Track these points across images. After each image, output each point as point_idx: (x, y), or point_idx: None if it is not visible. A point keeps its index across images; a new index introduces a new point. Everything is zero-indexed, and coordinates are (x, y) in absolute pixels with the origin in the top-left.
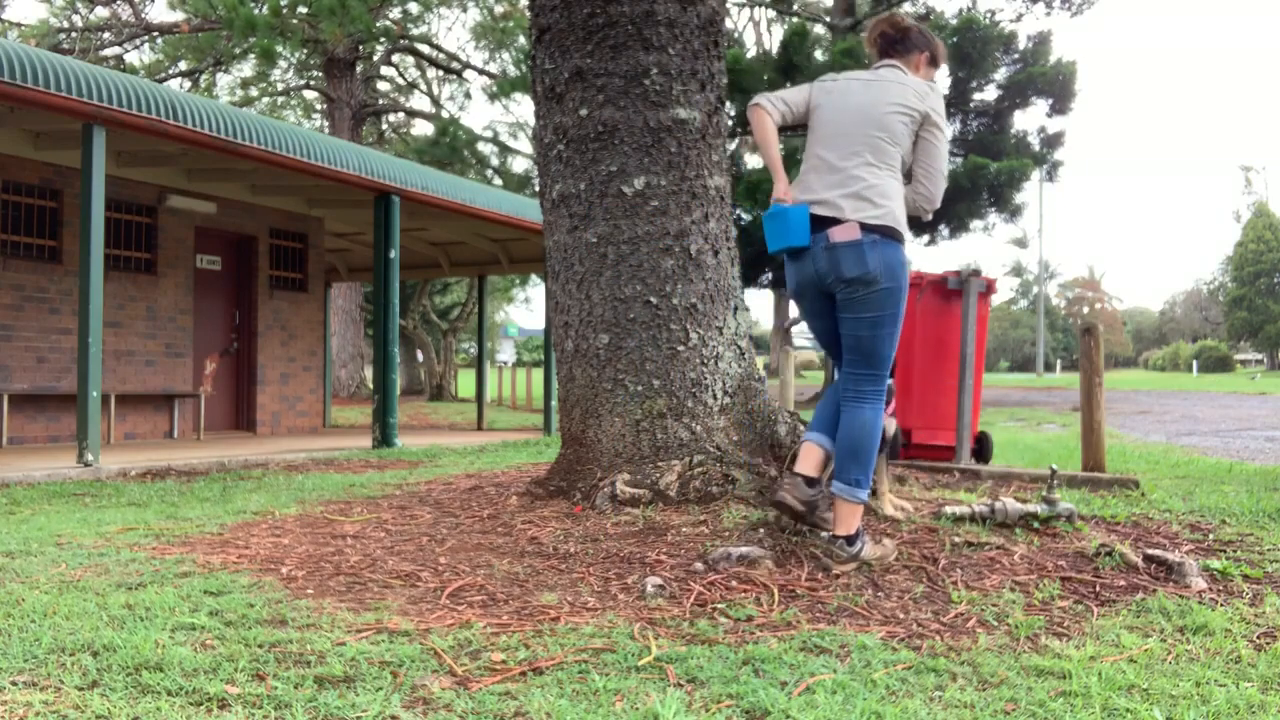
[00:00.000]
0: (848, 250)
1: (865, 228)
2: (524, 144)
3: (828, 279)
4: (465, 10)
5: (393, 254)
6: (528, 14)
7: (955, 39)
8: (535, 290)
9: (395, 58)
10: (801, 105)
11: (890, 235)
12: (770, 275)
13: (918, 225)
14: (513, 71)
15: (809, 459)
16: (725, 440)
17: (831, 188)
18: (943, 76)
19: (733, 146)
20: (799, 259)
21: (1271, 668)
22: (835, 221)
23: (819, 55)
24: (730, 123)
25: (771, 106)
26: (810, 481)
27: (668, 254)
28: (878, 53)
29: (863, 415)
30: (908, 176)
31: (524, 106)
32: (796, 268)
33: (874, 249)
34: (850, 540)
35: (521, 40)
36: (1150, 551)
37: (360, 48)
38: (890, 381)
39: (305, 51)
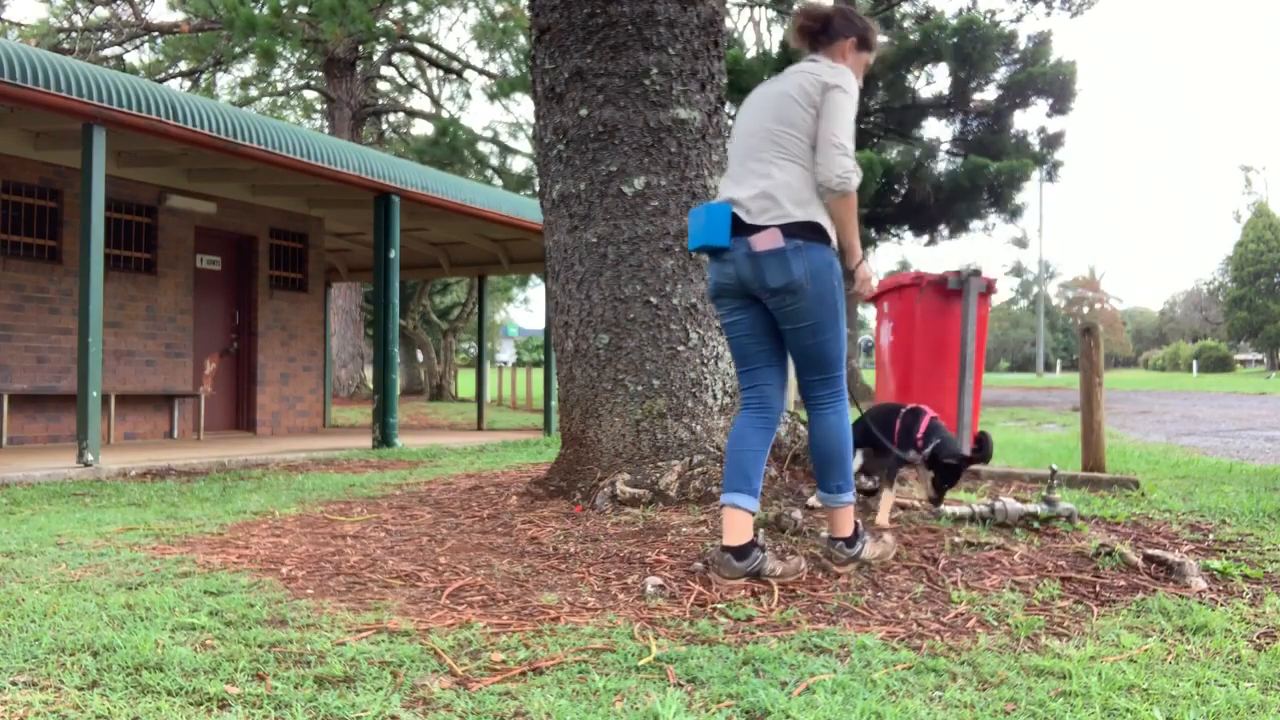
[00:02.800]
0: (770, 259)
1: (787, 233)
2: (524, 144)
3: (751, 286)
4: (465, 10)
5: (393, 254)
6: (528, 14)
7: (955, 39)
8: (535, 290)
9: (395, 58)
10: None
11: (814, 236)
12: None
13: (920, 225)
14: (513, 71)
15: (733, 528)
16: (725, 440)
17: (741, 188)
18: (942, 76)
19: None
20: (719, 260)
21: (1271, 668)
22: (754, 227)
23: None
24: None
25: None
26: (740, 553)
27: (668, 254)
28: (806, 48)
29: (828, 421)
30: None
31: (524, 106)
32: (717, 269)
33: (798, 255)
34: (849, 542)
35: (521, 40)
36: (1150, 551)
37: (360, 48)
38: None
39: (305, 51)
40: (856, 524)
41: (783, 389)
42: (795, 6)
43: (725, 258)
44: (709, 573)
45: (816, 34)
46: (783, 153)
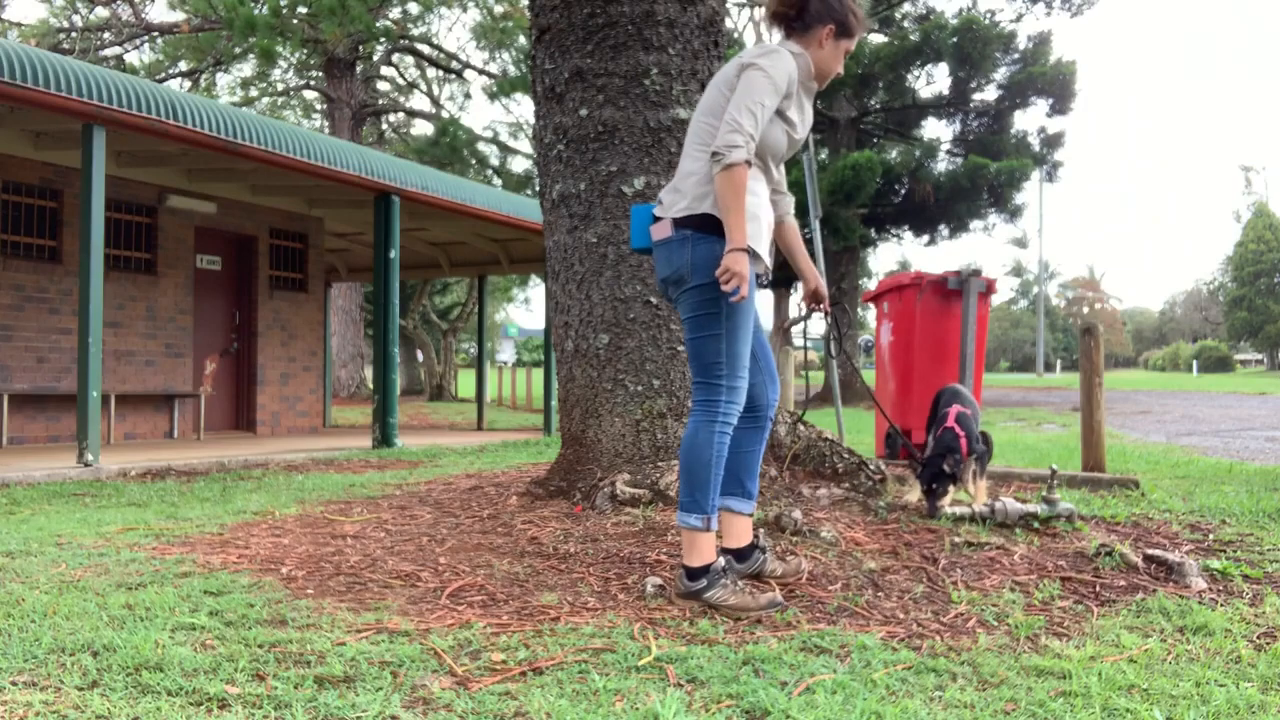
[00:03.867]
0: (660, 250)
1: (679, 223)
2: (524, 144)
3: (660, 282)
4: (465, 10)
5: (393, 254)
6: (528, 14)
7: (955, 39)
8: (535, 290)
9: (395, 58)
10: None
11: (706, 229)
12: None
13: (920, 225)
14: (513, 71)
15: (731, 531)
16: None
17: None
18: (942, 76)
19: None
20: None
21: (1271, 668)
22: (657, 220)
23: None
24: None
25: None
26: (741, 555)
27: None
28: (775, 35)
29: (690, 429)
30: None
31: (524, 106)
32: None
33: (684, 245)
34: (692, 574)
35: (521, 40)
36: (1150, 551)
37: (360, 48)
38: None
39: (305, 51)
40: (713, 562)
41: (757, 382)
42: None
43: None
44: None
45: (791, 19)
46: (700, 144)
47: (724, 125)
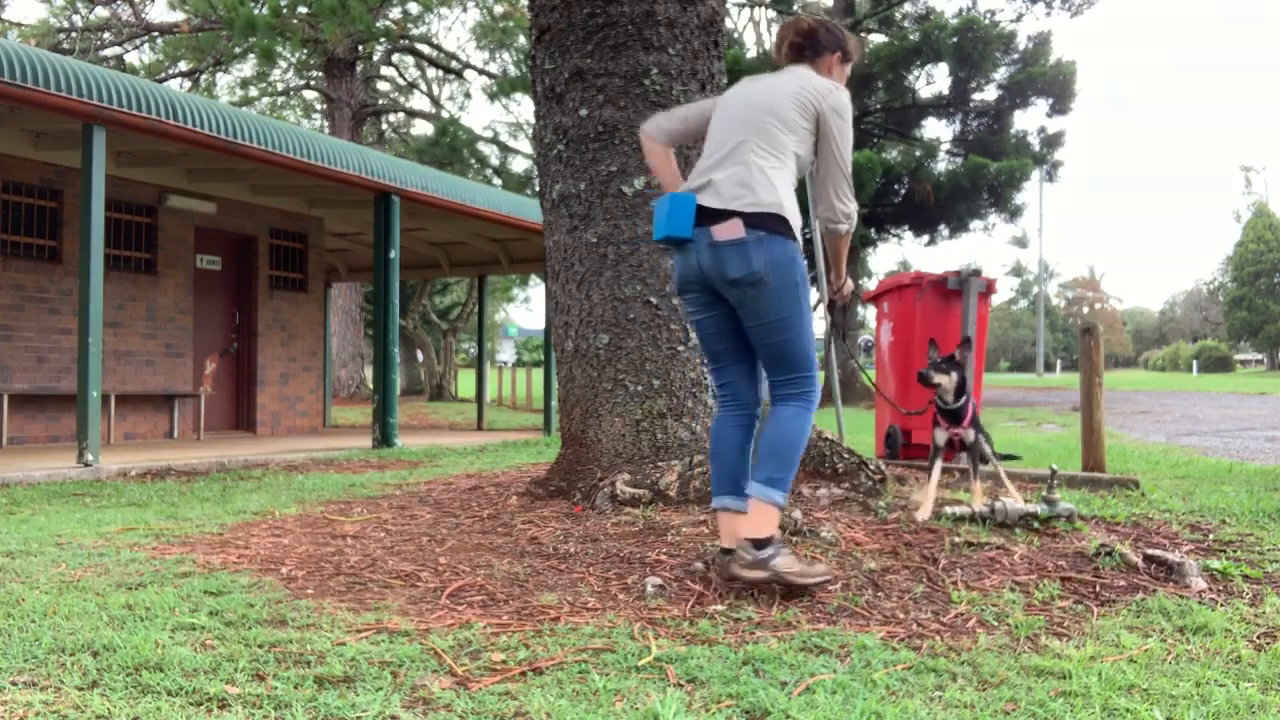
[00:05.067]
0: (731, 249)
1: (749, 223)
2: (524, 144)
3: (713, 277)
4: (465, 10)
5: (393, 254)
6: (528, 14)
7: (955, 39)
8: (535, 290)
9: (395, 58)
10: (697, 113)
11: (777, 229)
12: None
13: (920, 225)
14: (513, 71)
15: (728, 529)
16: None
17: (714, 170)
18: (942, 76)
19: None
20: (683, 251)
21: (1271, 668)
22: (719, 215)
23: None
24: None
25: (658, 128)
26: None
27: (668, 254)
28: (789, 62)
29: (786, 413)
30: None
31: (524, 106)
32: (682, 261)
33: (759, 247)
34: (760, 544)
35: (521, 40)
36: (1150, 551)
37: (360, 48)
38: (973, 401)
39: (305, 51)
40: (774, 533)
41: (753, 381)
42: (784, 22)
43: (688, 248)
44: (709, 572)
45: (803, 48)
46: (766, 144)
47: (840, 195)
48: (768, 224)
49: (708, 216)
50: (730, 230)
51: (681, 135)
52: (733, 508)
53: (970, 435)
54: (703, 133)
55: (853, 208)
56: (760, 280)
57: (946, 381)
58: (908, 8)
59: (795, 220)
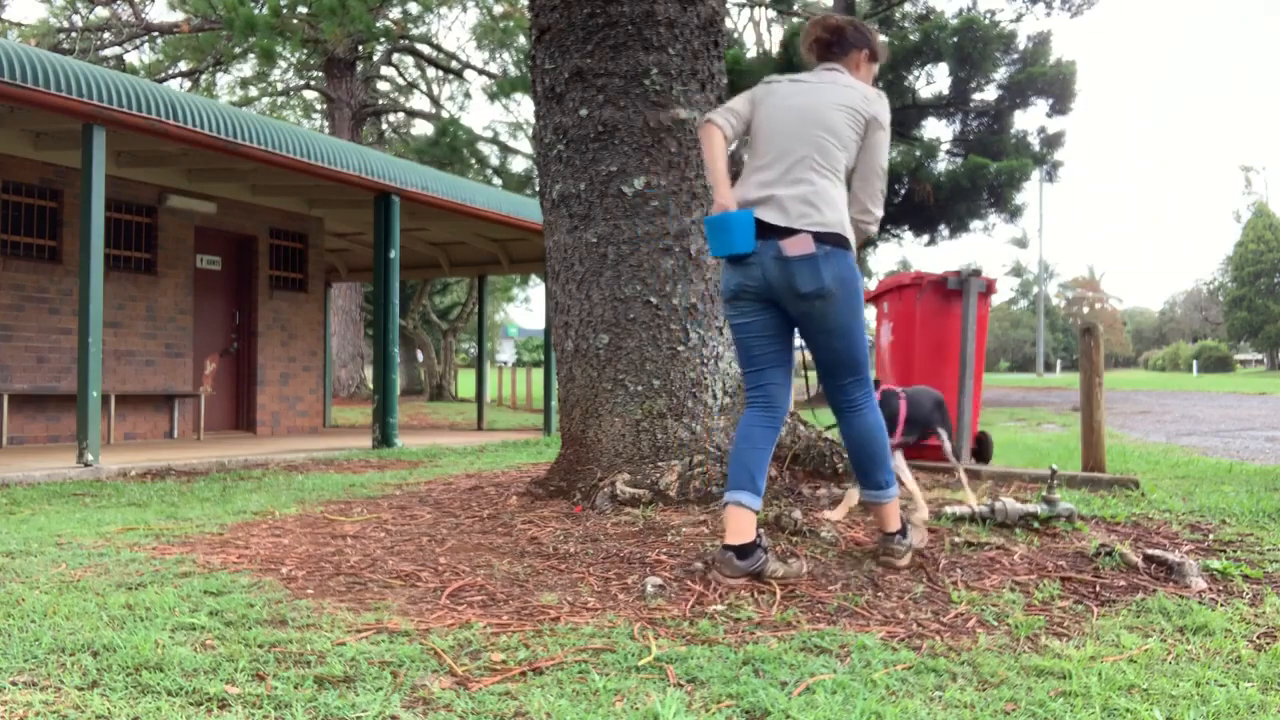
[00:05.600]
0: (802, 264)
1: (818, 239)
2: (524, 144)
3: (779, 290)
4: (465, 10)
5: (393, 254)
6: (528, 14)
7: (955, 39)
8: (535, 290)
9: (395, 58)
10: (747, 110)
11: (840, 244)
12: None
13: (920, 225)
14: (513, 71)
15: (737, 525)
16: (725, 440)
17: (776, 186)
18: (942, 76)
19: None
20: (741, 264)
21: (1271, 668)
22: (785, 231)
23: None
24: None
25: (725, 120)
26: (743, 552)
27: (668, 254)
28: (816, 58)
29: (866, 421)
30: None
31: (524, 106)
32: (740, 272)
33: (828, 262)
34: (903, 533)
35: (521, 40)
36: (1150, 551)
37: (360, 48)
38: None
39: (305, 51)
40: (901, 516)
41: (788, 389)
42: (810, 18)
43: (750, 261)
44: (710, 572)
45: (830, 45)
46: (825, 161)
47: (875, 200)
48: (831, 240)
49: (773, 231)
50: (801, 245)
51: (738, 131)
52: (747, 504)
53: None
54: (744, 133)
55: (880, 212)
56: (830, 294)
57: None
58: (908, 8)
59: (852, 236)
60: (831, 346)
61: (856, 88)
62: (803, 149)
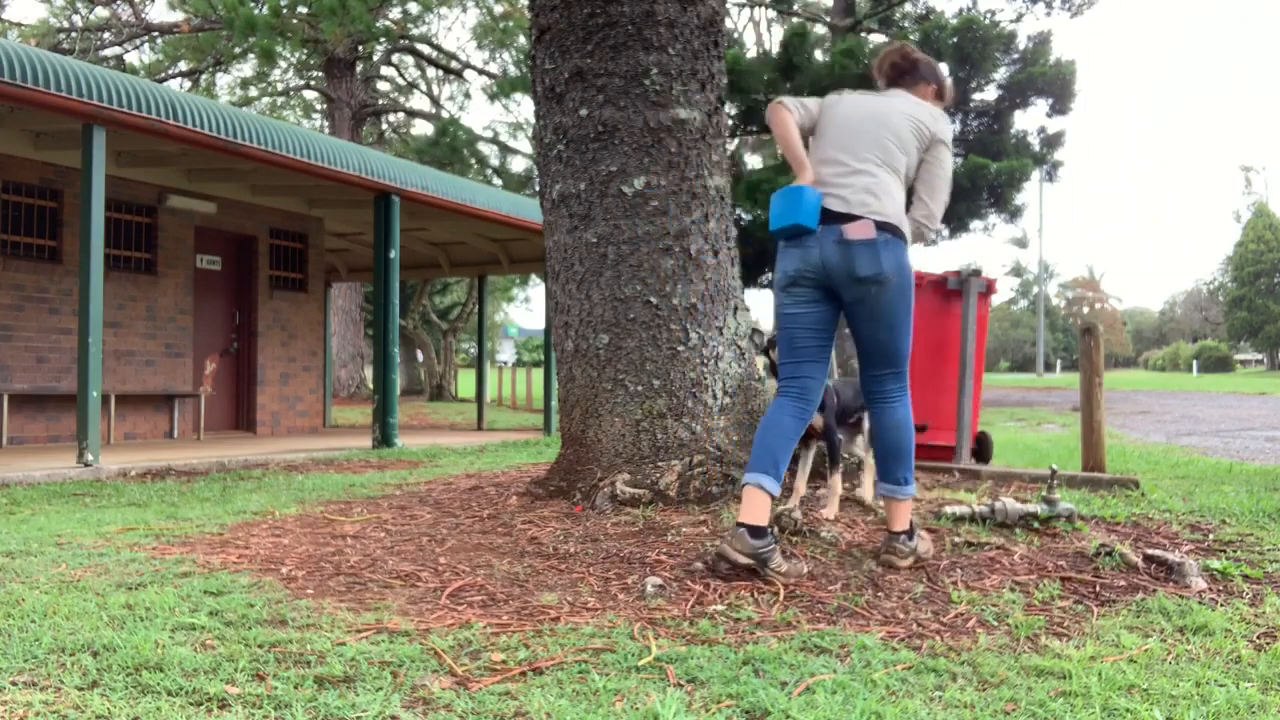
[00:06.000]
0: (862, 248)
1: (879, 226)
2: (524, 144)
3: (837, 274)
4: (465, 10)
5: (393, 254)
6: (528, 14)
7: (955, 39)
8: (535, 290)
9: (395, 58)
10: (815, 110)
11: (898, 235)
12: (770, 275)
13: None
14: (513, 71)
15: (753, 506)
16: (725, 440)
17: (843, 179)
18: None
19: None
20: (800, 245)
21: (1271, 668)
22: (848, 217)
23: (819, 55)
24: (730, 122)
25: (794, 105)
26: (757, 532)
27: (668, 254)
28: (886, 81)
29: (897, 415)
30: (908, 197)
31: (524, 106)
32: (798, 254)
33: (887, 248)
34: (910, 535)
35: (521, 40)
36: (1150, 551)
37: (360, 48)
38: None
39: (305, 51)
40: (911, 521)
41: (822, 385)
42: (890, 45)
43: (809, 243)
44: (709, 573)
45: (905, 72)
46: (886, 158)
47: (940, 196)
48: (891, 229)
49: (834, 217)
50: (863, 230)
51: (804, 124)
52: (766, 488)
53: (819, 421)
54: (811, 129)
55: (941, 222)
56: (886, 280)
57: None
58: (908, 8)
59: (908, 230)
60: (877, 337)
61: (923, 105)
62: (867, 144)
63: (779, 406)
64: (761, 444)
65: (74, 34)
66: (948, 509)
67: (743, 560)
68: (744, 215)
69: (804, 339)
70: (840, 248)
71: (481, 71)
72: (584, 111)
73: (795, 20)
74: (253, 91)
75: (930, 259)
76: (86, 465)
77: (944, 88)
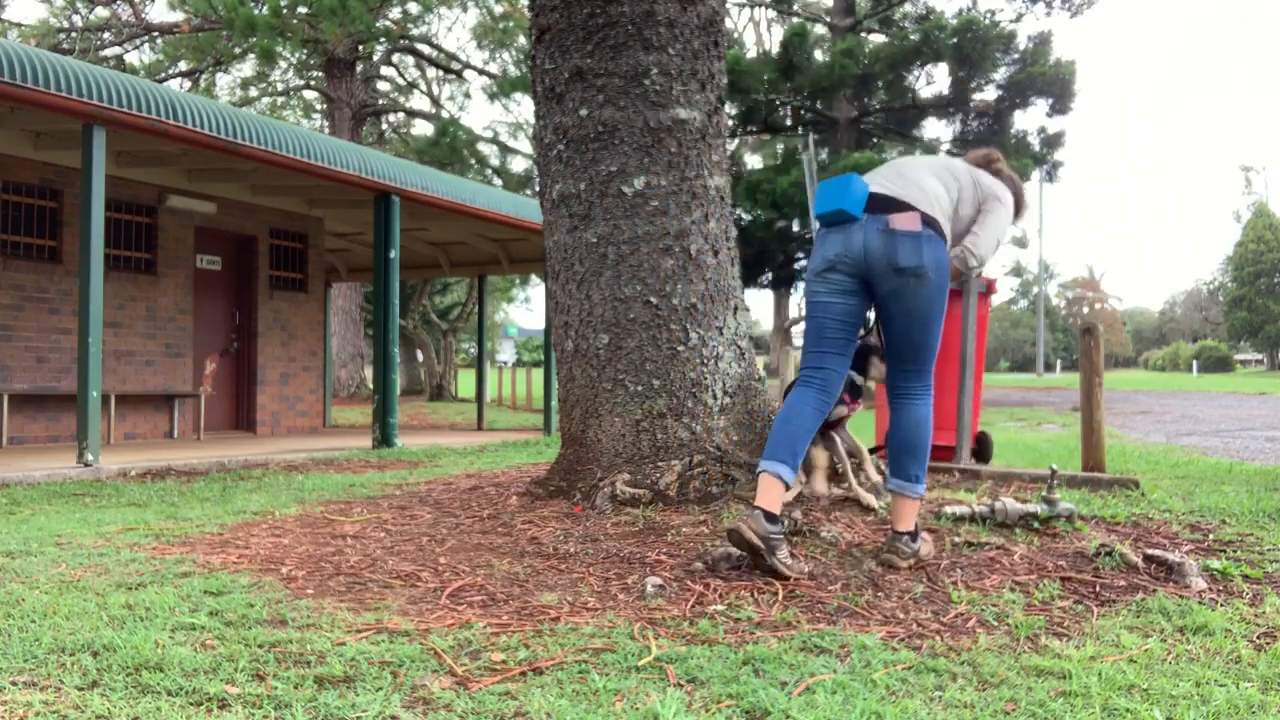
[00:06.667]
0: (906, 239)
1: (925, 220)
2: (524, 144)
3: (877, 263)
4: (465, 10)
5: (393, 254)
6: (528, 14)
7: (955, 39)
8: (535, 290)
9: (395, 58)
10: None
11: (940, 234)
12: (770, 275)
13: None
14: (513, 71)
15: (769, 492)
16: (725, 440)
17: (892, 181)
18: (942, 76)
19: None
20: (842, 231)
21: (1271, 668)
22: (895, 205)
23: (819, 55)
24: (730, 122)
25: None
26: (771, 517)
27: (668, 254)
28: (973, 169)
29: (917, 412)
30: (957, 240)
31: (524, 106)
32: (840, 239)
33: (930, 243)
34: (914, 536)
35: (521, 40)
36: (1150, 551)
37: (360, 48)
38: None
39: (305, 51)
40: (917, 523)
41: (843, 379)
42: (982, 148)
43: (852, 229)
44: (709, 573)
45: (985, 168)
46: (937, 177)
47: (989, 240)
48: (935, 226)
49: (881, 206)
50: (909, 221)
51: None
52: (781, 475)
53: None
54: None
55: (982, 261)
56: (925, 273)
57: None
58: (908, 8)
59: (949, 238)
60: (909, 331)
61: (986, 174)
62: (922, 168)
63: (800, 396)
64: (780, 433)
65: (74, 34)
66: (948, 509)
67: (755, 541)
68: (744, 215)
69: (833, 330)
70: (884, 236)
71: (481, 71)
72: (584, 111)
73: (795, 20)
74: (253, 91)
75: None
76: (86, 465)
77: (1021, 205)
